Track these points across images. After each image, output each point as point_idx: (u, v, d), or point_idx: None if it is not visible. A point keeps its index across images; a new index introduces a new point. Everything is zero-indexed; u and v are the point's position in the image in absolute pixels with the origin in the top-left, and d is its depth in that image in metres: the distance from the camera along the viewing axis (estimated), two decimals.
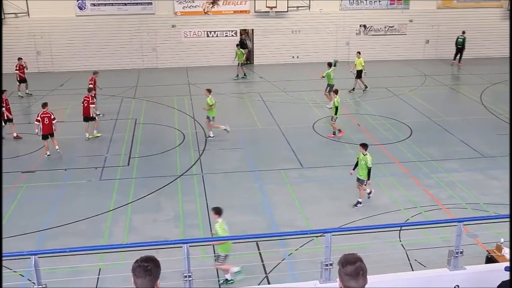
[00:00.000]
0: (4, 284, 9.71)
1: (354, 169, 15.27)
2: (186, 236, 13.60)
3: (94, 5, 31.44)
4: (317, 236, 12.83)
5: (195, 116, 23.23)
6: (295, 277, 11.41)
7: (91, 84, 22.96)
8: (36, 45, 31.57)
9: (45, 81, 29.09)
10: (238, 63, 29.95)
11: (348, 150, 19.11)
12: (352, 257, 4.18)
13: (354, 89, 27.03)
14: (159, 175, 17.35)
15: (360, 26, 34.00)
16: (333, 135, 20.68)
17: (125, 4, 31.61)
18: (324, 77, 24.62)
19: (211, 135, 20.64)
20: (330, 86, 24.23)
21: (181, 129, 21.69)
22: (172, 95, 26.53)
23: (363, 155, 14.81)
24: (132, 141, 20.46)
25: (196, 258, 11.55)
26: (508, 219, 7.87)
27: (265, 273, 11.92)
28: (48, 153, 18.96)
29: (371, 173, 14.89)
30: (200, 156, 19.00)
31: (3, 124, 20.41)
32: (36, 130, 18.81)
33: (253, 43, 33.78)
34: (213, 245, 12.25)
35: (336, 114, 20.35)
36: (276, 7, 32.35)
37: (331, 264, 6.69)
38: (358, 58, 26.73)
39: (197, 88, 27.20)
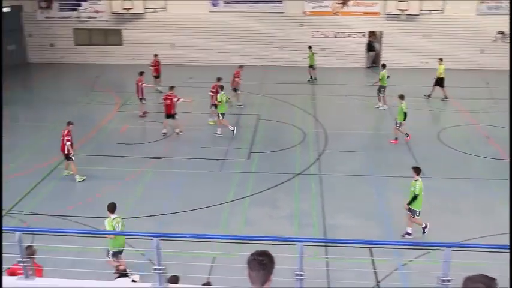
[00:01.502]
0: (126, 261, 10.41)
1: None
2: (299, 235, 13.66)
3: (227, 2, 32.48)
4: (434, 249, 12.34)
5: (317, 116, 23.24)
6: None
7: (237, 76, 24.26)
8: (171, 38, 33.25)
9: (176, 73, 30.54)
10: (309, 65, 29.27)
11: (475, 163, 18.16)
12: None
13: (430, 95, 25.71)
14: (278, 172, 17.58)
15: (498, 32, 32.02)
16: (394, 141, 20.02)
17: (256, 2, 32.31)
18: (379, 79, 24.25)
19: (219, 133, 20.94)
20: (383, 88, 23.90)
21: (302, 128, 21.81)
22: (296, 93, 26.73)
23: (414, 180, 13.46)
24: (254, 137, 20.90)
25: (308, 258, 11.59)
26: None
27: (377, 281, 11.69)
28: (164, 131, 20.46)
29: (417, 203, 13.34)
30: (319, 156, 18.99)
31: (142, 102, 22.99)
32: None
33: (381, 46, 33.08)
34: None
35: (404, 119, 19.77)
36: (407, 10, 31.43)
37: (448, 280, 6.41)
38: (440, 65, 25.23)
39: (321, 88, 27.17)
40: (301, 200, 15.71)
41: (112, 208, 12.04)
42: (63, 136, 16.86)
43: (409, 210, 13.54)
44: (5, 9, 32.47)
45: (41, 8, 33.66)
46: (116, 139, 20.64)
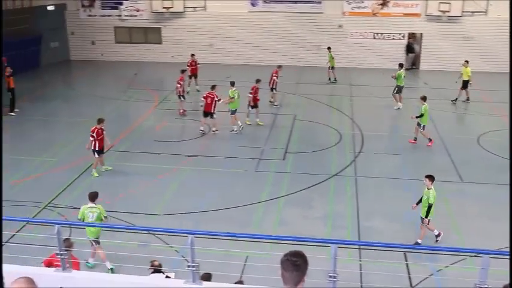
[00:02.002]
0: (159, 257, 10.52)
1: (417, 204, 13.42)
2: (333, 236, 13.56)
3: (266, 2, 32.52)
4: (471, 256, 12.10)
5: (353, 117, 23.07)
6: None
7: (275, 76, 24.34)
8: (209, 37, 33.48)
9: (214, 71, 30.72)
10: (329, 67, 29.12)
11: None
12: None
13: (456, 99, 25.25)
14: (313, 173, 17.51)
15: None
16: (413, 141, 19.98)
17: (295, 2, 32.25)
18: (395, 78, 24.13)
19: (235, 130, 21.16)
20: (399, 88, 23.97)
21: (338, 129, 21.68)
22: (333, 94, 26.59)
23: (427, 189, 13.06)
24: (290, 137, 20.88)
25: (341, 260, 11.53)
26: None
27: (411, 285, 11.54)
28: (202, 128, 20.68)
29: (432, 212, 13.02)
30: (355, 158, 18.84)
31: (181, 99, 23.18)
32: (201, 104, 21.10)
33: (421, 48, 32.60)
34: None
35: (424, 122, 19.57)
36: (449, 11, 30.89)
37: None
38: (466, 68, 24.74)
39: (357, 89, 26.96)
40: (336, 202, 15.61)
41: (91, 197, 12.24)
42: (92, 132, 17.09)
43: (421, 218, 13.24)
44: (49, 7, 33.36)
45: (83, 6, 34.39)
46: (152, 136, 20.90)
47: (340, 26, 32.44)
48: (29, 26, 31.74)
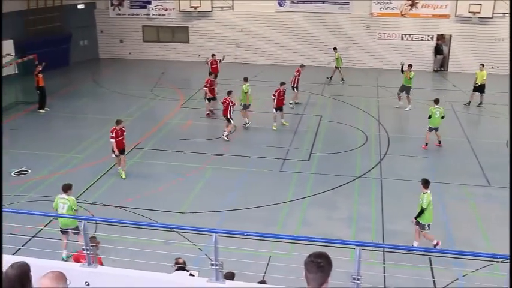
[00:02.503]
0: (183, 255, 10.60)
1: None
2: (357, 238, 13.52)
3: (293, 2, 32.46)
4: (497, 261, 11.91)
5: (380, 119, 22.90)
6: None
7: (297, 74, 24.47)
8: (236, 37, 33.57)
9: (240, 71, 30.76)
10: (335, 67, 29.06)
11: None
12: None
13: (469, 102, 24.83)
14: (338, 174, 17.44)
15: None
16: (439, 144, 19.76)
17: (323, 2, 32.12)
18: (410, 78, 24.15)
19: (247, 122, 21.83)
20: (408, 88, 24.11)
21: (364, 131, 21.54)
22: (359, 95, 26.43)
23: (422, 193, 12.91)
24: (315, 137, 20.82)
25: (366, 262, 11.48)
26: None
27: None
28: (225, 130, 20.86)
29: (425, 217, 12.83)
30: (381, 160, 18.71)
31: (207, 102, 23.15)
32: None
33: (449, 49, 32.18)
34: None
35: (435, 124, 19.38)
36: (479, 12, 30.40)
37: None
38: (481, 71, 24.13)
39: (385, 91, 26.74)
40: (361, 203, 15.53)
41: (64, 188, 12.63)
42: (111, 132, 17.05)
43: (417, 223, 13.03)
44: (79, 6, 33.83)
45: (112, 5, 34.77)
46: (178, 134, 21.05)
47: (367, 26, 32.20)
48: (60, 24, 32.25)
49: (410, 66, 24.31)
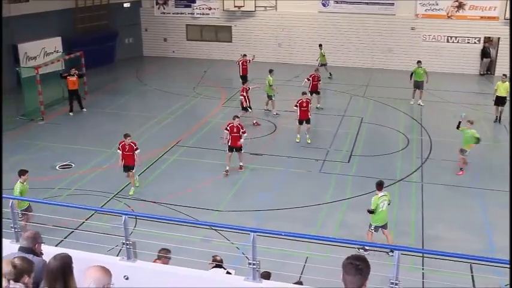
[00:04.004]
0: (220, 252, 10.66)
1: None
2: (395, 243, 13.31)
3: (337, 2, 32.24)
4: None
5: (422, 122, 22.54)
6: None
7: (312, 78, 23.82)
8: (278, 37, 33.57)
9: (281, 71, 30.76)
10: (319, 64, 29.22)
11: None
12: None
13: (497, 118, 22.68)
14: (378, 177, 17.16)
15: None
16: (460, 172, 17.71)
17: (367, 3, 31.79)
18: (427, 77, 24.85)
19: (275, 113, 22.96)
20: (421, 83, 24.84)
21: (406, 134, 21.24)
22: (402, 98, 26.04)
23: (375, 195, 12.82)
24: (356, 139, 20.64)
25: (404, 267, 11.34)
26: None
27: None
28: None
29: (374, 218, 12.74)
30: (422, 163, 18.40)
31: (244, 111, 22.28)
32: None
33: (497, 52, 31.37)
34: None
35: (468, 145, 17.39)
36: None
37: None
38: (503, 82, 22.18)
39: (428, 93, 26.29)
40: (400, 207, 15.30)
41: (19, 173, 13.30)
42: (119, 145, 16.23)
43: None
44: (125, 5, 34.49)
45: (158, 4, 35.28)
46: (219, 133, 21.14)
47: (412, 28, 31.69)
48: (107, 22, 32.92)
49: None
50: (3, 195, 11.48)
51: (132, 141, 16.09)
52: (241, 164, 17.76)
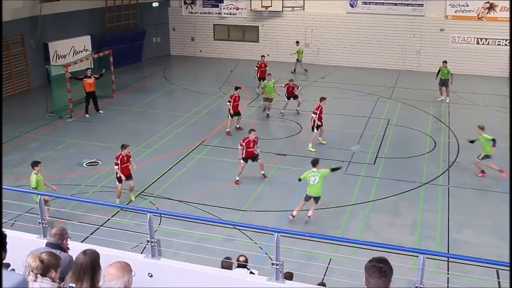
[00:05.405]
0: (243, 252, 10.69)
1: None
2: (420, 246, 13.20)
3: (365, 3, 32.02)
4: None
5: (450, 125, 22.26)
6: None
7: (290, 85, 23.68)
8: (306, 37, 33.48)
9: (309, 72, 30.71)
10: (297, 59, 30.57)
11: None
12: None
13: None
14: (403, 179, 17.09)
15: None
16: (481, 174, 17.35)
17: (395, 4, 31.50)
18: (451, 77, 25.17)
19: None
20: (442, 81, 25.42)
21: (433, 136, 21.00)
22: (429, 100, 25.76)
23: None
24: (382, 141, 20.48)
25: (428, 271, 11.26)
26: None
27: None
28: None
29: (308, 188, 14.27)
30: (449, 167, 18.17)
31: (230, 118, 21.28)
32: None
33: None
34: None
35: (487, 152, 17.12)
36: None
37: None
38: None
39: (457, 96, 25.96)
40: (426, 211, 15.14)
41: (32, 164, 13.75)
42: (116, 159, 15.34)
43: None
44: (154, 4, 34.85)
45: (186, 3, 35.52)
46: (243, 133, 21.18)
47: (442, 29, 31.32)
48: (136, 21, 33.28)
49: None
50: (27, 191, 11.68)
51: (129, 152, 15.43)
52: (263, 172, 17.21)
